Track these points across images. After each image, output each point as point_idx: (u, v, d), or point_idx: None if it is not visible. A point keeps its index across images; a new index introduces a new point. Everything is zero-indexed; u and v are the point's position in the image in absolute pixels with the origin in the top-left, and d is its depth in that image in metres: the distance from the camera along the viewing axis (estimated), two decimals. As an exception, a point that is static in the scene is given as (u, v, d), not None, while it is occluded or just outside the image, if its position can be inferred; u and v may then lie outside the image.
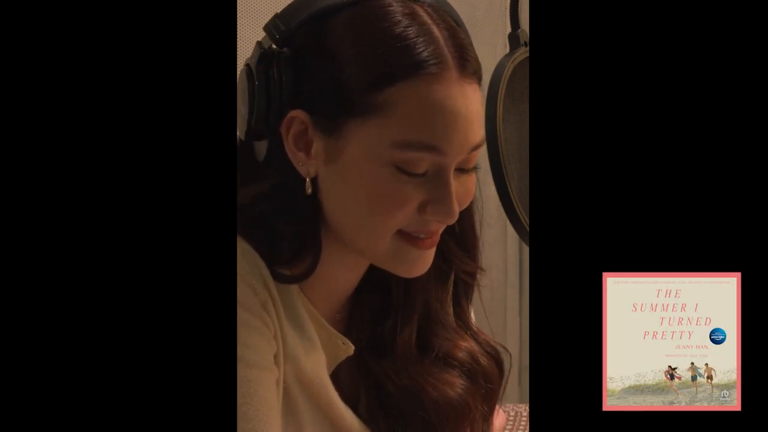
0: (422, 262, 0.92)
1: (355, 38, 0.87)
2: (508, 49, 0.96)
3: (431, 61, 0.86)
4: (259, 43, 0.90)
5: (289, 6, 0.91)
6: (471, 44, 0.90)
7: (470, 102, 0.88)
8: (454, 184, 0.89)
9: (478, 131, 0.89)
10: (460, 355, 1.02)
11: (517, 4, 0.97)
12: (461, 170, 0.90)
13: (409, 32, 0.86)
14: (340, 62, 0.86)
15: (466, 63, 0.88)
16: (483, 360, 1.03)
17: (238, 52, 0.93)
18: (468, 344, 1.03)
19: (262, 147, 0.92)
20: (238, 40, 0.93)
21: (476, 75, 0.90)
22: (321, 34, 0.88)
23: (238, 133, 0.93)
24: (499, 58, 0.93)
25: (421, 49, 0.86)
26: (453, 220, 0.90)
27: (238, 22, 0.90)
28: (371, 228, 0.89)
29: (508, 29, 0.97)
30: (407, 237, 0.90)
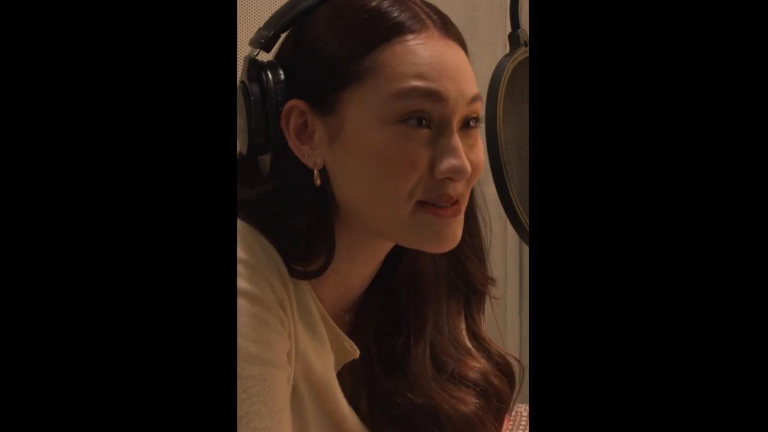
0: (450, 233, 0.91)
1: (333, 19, 0.90)
2: (508, 49, 0.96)
3: (411, 21, 0.89)
4: (247, 57, 0.92)
5: (271, 17, 0.93)
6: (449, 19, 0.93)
7: (459, 58, 0.90)
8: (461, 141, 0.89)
9: (471, 82, 0.91)
10: (473, 375, 1.02)
11: (517, 4, 0.96)
12: (463, 127, 0.91)
13: (384, 3, 0.90)
14: (323, 44, 0.89)
15: (449, 27, 0.91)
16: (496, 381, 1.03)
17: (238, 53, 0.93)
18: (480, 365, 1.03)
19: (265, 160, 0.93)
20: (238, 40, 0.94)
21: (459, 40, 0.92)
22: (303, 29, 0.91)
23: (239, 149, 0.94)
24: (499, 58, 0.93)
25: (398, 14, 0.89)
26: (465, 175, 0.89)
27: (238, 23, 0.91)
28: (387, 195, 0.88)
29: (508, 29, 0.97)
30: (428, 207, 0.90)
